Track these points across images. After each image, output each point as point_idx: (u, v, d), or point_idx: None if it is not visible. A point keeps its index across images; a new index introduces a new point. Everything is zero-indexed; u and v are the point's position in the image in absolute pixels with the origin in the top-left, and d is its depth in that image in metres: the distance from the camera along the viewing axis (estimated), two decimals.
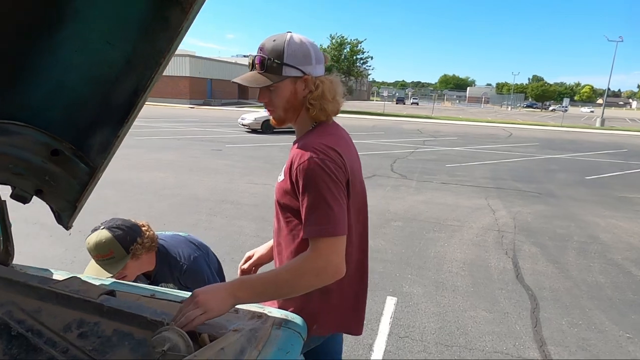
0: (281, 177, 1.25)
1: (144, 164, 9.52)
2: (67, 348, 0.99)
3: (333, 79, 1.27)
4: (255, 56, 1.20)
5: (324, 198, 1.08)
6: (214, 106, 36.36)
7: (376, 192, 7.94)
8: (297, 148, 1.19)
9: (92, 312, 1.03)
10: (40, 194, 1.30)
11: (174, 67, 36.08)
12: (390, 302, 3.70)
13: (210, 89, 39.95)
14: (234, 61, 51.91)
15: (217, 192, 7.31)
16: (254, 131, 17.62)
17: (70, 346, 0.99)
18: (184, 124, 19.98)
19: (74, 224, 1.40)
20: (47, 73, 1.13)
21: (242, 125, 17.90)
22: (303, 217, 1.12)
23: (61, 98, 1.19)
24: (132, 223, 1.74)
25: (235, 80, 1.23)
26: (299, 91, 1.21)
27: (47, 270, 1.37)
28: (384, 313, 3.51)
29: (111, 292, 1.07)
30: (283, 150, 12.96)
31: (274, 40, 1.18)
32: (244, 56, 73.93)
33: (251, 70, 1.23)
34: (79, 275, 1.13)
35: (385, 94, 57.62)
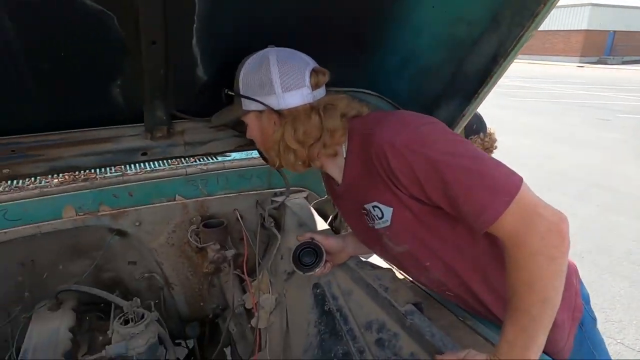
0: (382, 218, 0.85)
1: (509, 127, 8.99)
2: (363, 349, 0.92)
3: (320, 103, 0.90)
4: None
5: (462, 165, 0.75)
6: (611, 64, 30.15)
7: None
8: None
9: (395, 320, 0.90)
10: None
11: (568, 21, 31.67)
12: None
13: (611, 44, 33.16)
14: None
15: (592, 171, 6.03)
16: None
17: (367, 349, 0.91)
18: (566, 86, 17.64)
19: None
20: (397, 38, 1.00)
21: None
22: (461, 210, 0.75)
23: (409, 66, 1.05)
24: None
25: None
26: (267, 129, 0.95)
27: None
28: None
29: (418, 305, 0.91)
30: None
31: (241, 63, 0.96)
32: None
33: None
34: (395, 268, 1.02)
35: None
